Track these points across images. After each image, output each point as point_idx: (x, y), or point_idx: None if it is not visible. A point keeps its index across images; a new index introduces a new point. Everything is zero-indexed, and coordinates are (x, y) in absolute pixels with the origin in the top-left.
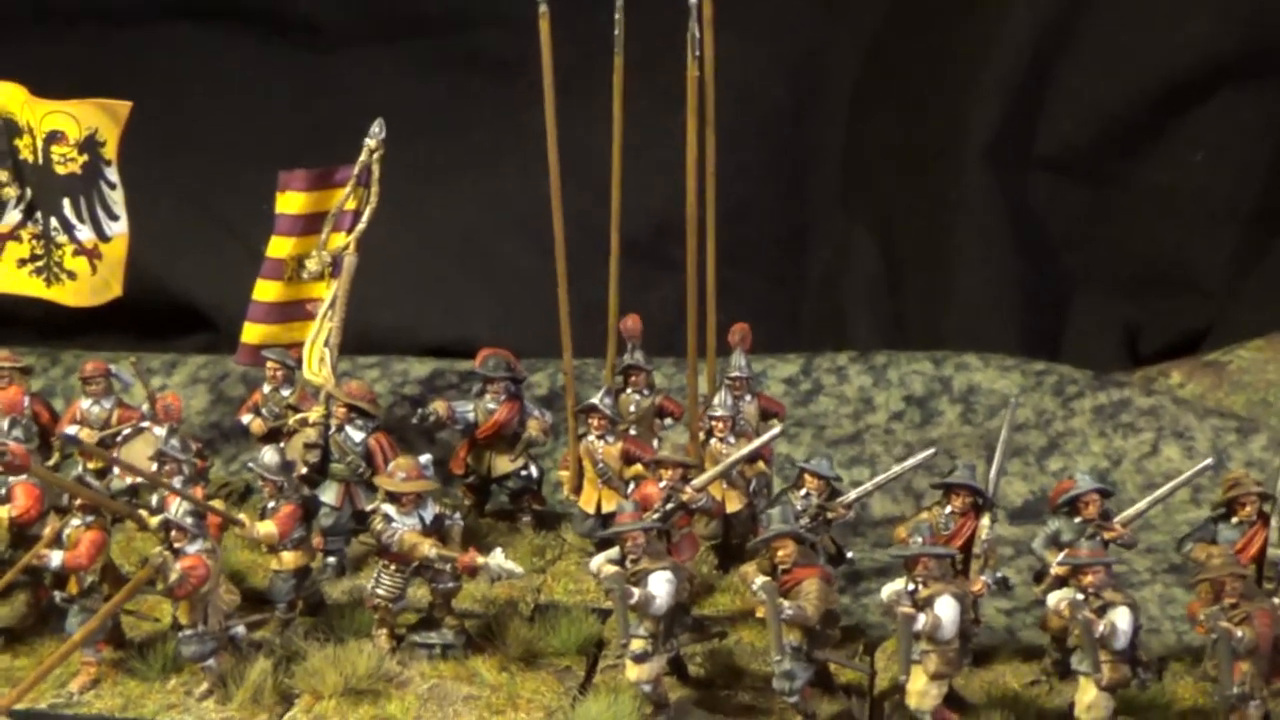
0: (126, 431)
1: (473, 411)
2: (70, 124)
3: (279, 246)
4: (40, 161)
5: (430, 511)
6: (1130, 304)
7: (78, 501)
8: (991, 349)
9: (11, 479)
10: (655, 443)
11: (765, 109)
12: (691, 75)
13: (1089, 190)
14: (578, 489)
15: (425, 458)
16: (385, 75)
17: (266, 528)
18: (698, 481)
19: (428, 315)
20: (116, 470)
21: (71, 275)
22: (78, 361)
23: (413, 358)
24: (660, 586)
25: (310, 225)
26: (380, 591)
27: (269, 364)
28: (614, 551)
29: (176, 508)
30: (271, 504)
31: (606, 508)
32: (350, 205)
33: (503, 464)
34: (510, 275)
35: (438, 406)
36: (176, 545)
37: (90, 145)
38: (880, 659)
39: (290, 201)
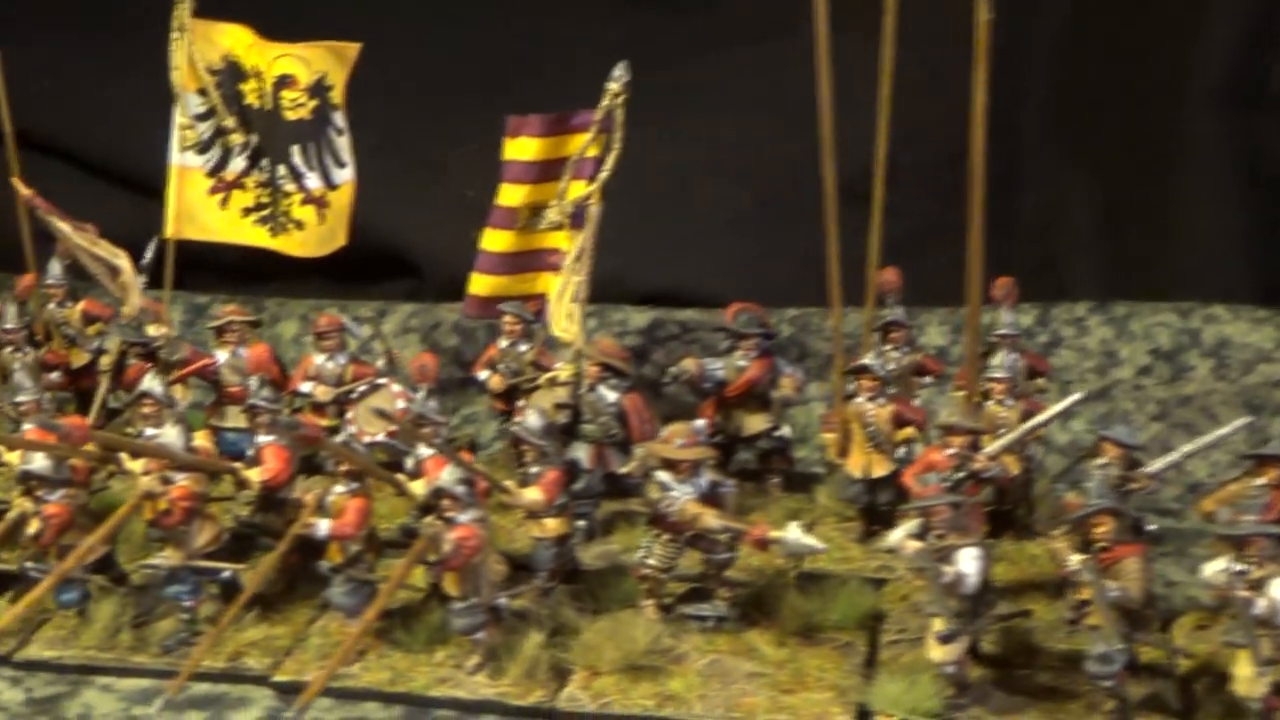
0: (362, 388)
1: (723, 369)
2: (301, 68)
3: (510, 194)
4: (269, 107)
5: (705, 479)
6: None
7: (342, 467)
8: (1218, 298)
9: (260, 440)
10: (915, 402)
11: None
12: (982, 19)
13: None
14: (844, 452)
15: (700, 423)
16: (579, 11)
17: (533, 494)
18: (991, 449)
19: (641, 262)
20: (353, 429)
21: (299, 225)
22: (281, 309)
23: (629, 306)
24: (970, 564)
25: (545, 172)
26: (651, 561)
27: (506, 318)
28: (912, 525)
29: (448, 475)
30: (535, 469)
31: (875, 473)
32: (592, 152)
33: (754, 423)
34: (723, 221)
35: (688, 364)
36: (448, 515)
37: (319, 90)
38: (1178, 635)
39: (523, 148)
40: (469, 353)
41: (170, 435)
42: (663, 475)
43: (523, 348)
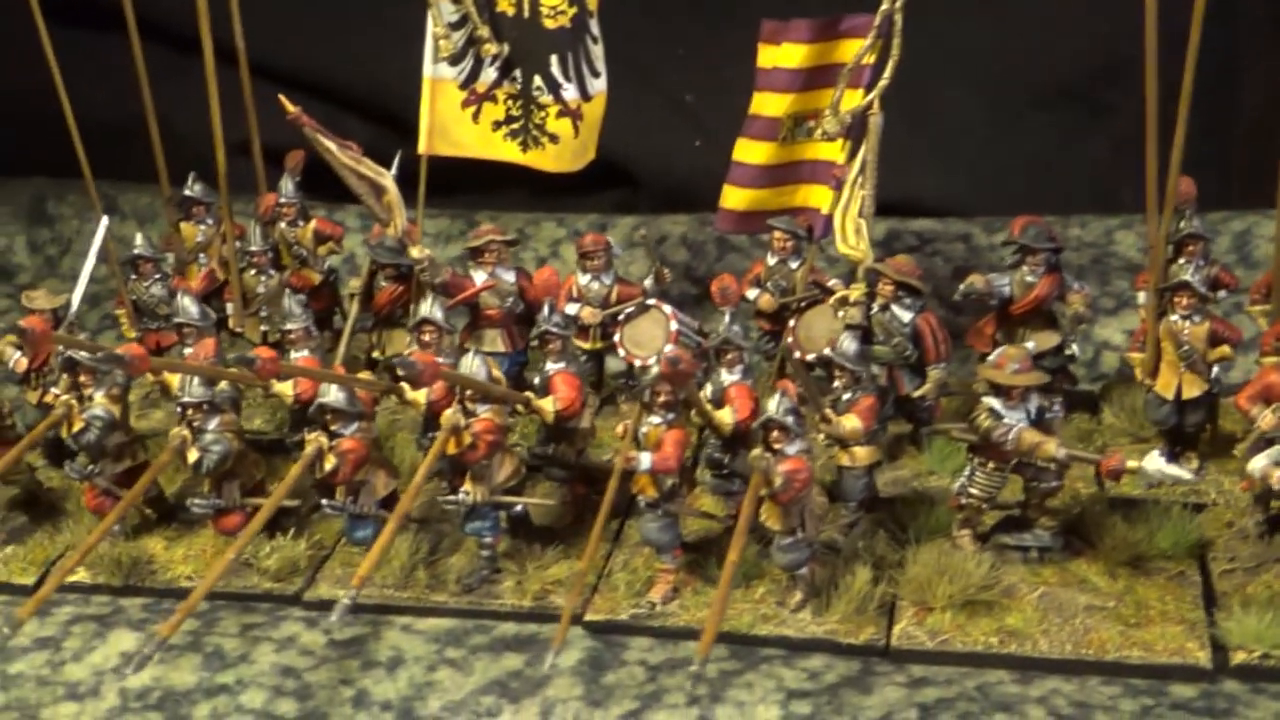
0: (629, 310)
1: (1009, 285)
2: None
3: (771, 104)
4: (526, 15)
5: (1034, 404)
6: None
7: (660, 399)
8: None
9: (550, 368)
10: None
11: None
12: None
13: None
14: (1154, 372)
15: (1031, 345)
16: None
17: (851, 422)
18: None
19: None
20: (622, 352)
21: (554, 138)
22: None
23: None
24: None
25: (812, 80)
26: (974, 491)
27: (776, 234)
28: (1276, 452)
29: (777, 405)
30: (847, 396)
31: (1187, 394)
32: (869, 59)
33: (1041, 340)
34: (954, 127)
35: (975, 280)
36: (776, 446)
37: None
38: None
39: (785, 55)
40: (700, 267)
41: (473, 365)
42: (993, 402)
43: (793, 265)
